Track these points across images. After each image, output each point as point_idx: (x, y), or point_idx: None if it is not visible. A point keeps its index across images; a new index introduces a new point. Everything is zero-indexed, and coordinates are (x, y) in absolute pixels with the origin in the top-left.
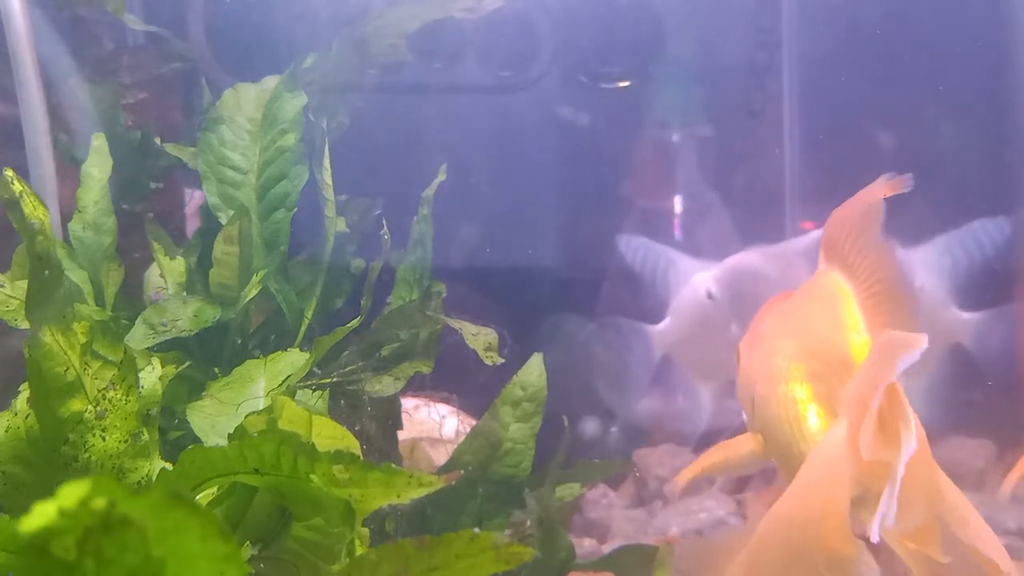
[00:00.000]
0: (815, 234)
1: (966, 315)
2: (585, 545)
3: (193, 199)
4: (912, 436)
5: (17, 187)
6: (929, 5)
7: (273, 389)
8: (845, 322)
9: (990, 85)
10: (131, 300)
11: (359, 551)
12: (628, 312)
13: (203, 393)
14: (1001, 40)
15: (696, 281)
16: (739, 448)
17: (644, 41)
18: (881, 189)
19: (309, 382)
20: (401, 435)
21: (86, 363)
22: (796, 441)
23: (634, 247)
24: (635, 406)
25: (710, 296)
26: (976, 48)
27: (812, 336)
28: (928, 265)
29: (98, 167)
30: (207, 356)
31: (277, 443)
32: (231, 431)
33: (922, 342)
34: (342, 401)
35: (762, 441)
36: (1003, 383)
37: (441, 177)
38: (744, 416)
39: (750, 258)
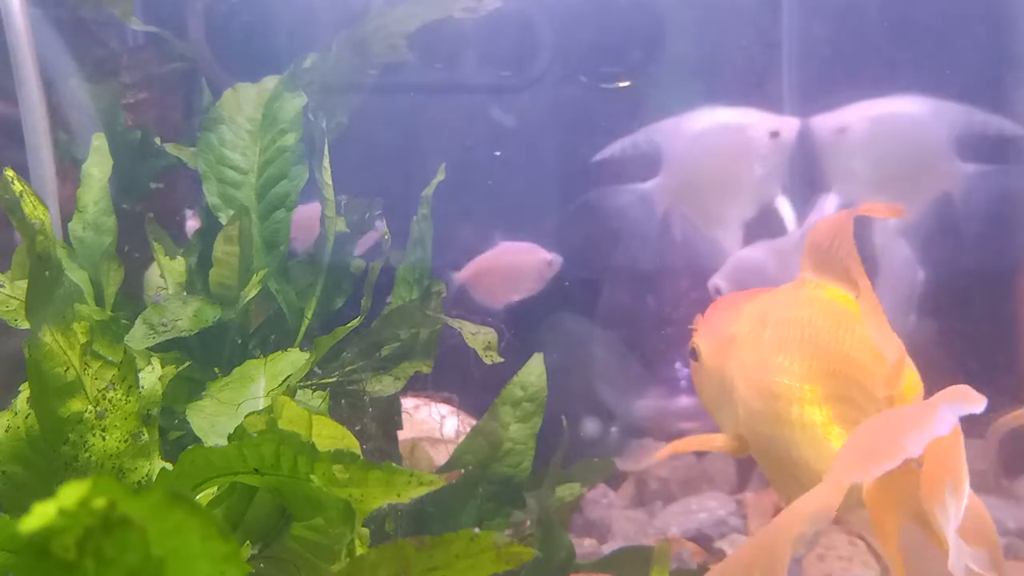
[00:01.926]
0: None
1: (964, 165)
2: (585, 545)
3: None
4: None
5: (17, 187)
6: (929, 5)
7: (273, 389)
8: (869, 344)
9: (990, 84)
10: (131, 300)
11: (359, 551)
12: (632, 313)
13: (203, 393)
14: (1001, 39)
15: (685, 128)
16: (712, 443)
17: (644, 41)
18: (877, 208)
19: (309, 382)
20: (401, 435)
21: (86, 363)
22: (814, 462)
23: (618, 146)
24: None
25: (718, 292)
26: (977, 46)
27: (828, 357)
28: (940, 113)
29: (98, 167)
30: (207, 356)
31: (277, 443)
32: (231, 431)
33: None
34: (342, 401)
35: (739, 446)
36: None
37: (440, 177)
38: (716, 418)
39: (755, 252)
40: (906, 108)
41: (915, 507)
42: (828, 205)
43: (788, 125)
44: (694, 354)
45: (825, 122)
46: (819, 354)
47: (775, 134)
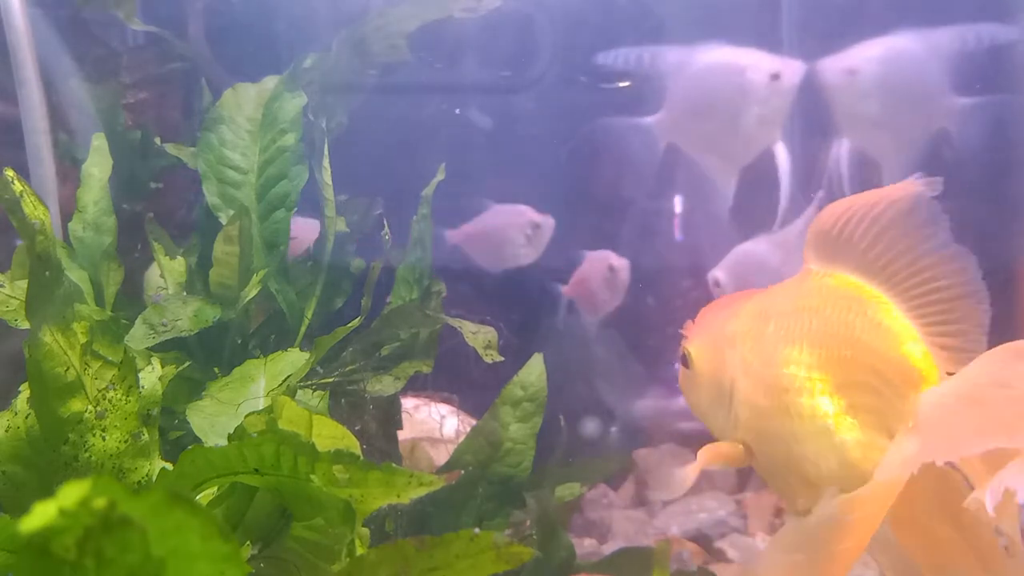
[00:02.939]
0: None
1: (961, 100)
2: (585, 545)
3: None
4: None
5: (17, 187)
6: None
7: (273, 389)
8: (893, 329)
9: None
10: (131, 300)
11: (359, 551)
12: (635, 314)
13: (203, 393)
14: (1003, 38)
15: (688, 63)
16: (720, 452)
17: (644, 41)
18: (903, 188)
19: (309, 382)
20: (401, 435)
21: (86, 363)
22: (823, 456)
23: (618, 56)
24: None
25: (718, 285)
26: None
27: (838, 344)
28: (935, 47)
29: (98, 167)
30: (207, 356)
31: (277, 443)
32: (231, 431)
33: None
34: (342, 401)
35: (745, 451)
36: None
37: (440, 176)
38: (710, 426)
39: (757, 246)
40: (908, 45)
41: (946, 507)
42: (843, 151)
43: (791, 68)
44: (685, 360)
45: (833, 64)
46: (828, 342)
47: (776, 76)
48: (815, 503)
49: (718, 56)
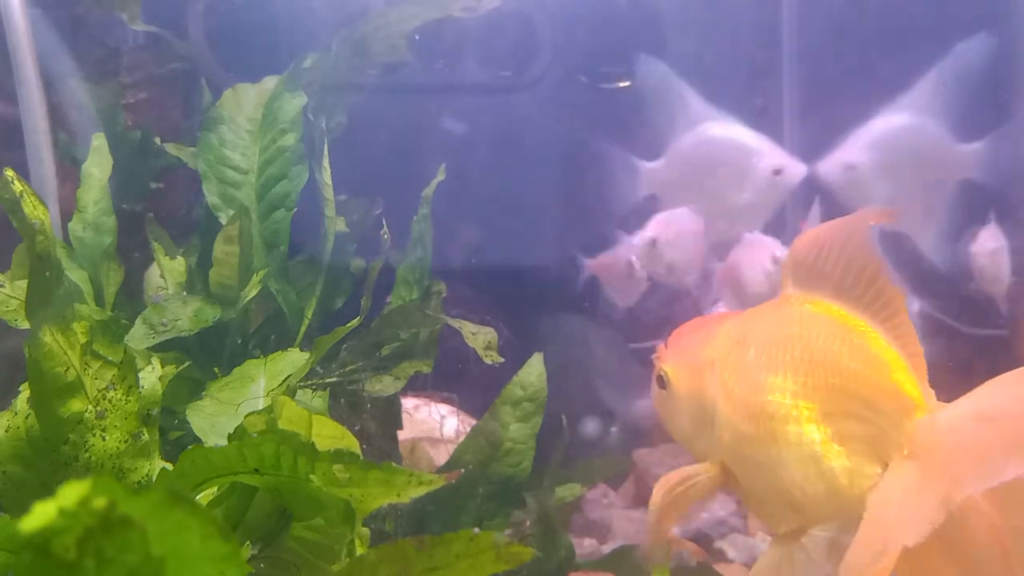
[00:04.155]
0: None
1: (968, 147)
2: (585, 545)
3: None
4: None
5: (17, 187)
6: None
7: (273, 389)
8: (881, 357)
9: (991, 82)
10: (131, 300)
11: (359, 551)
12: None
13: (203, 393)
14: (1002, 38)
15: (700, 129)
16: (696, 480)
17: (644, 41)
18: (869, 215)
19: (309, 382)
20: (401, 435)
21: (86, 363)
22: (811, 483)
23: (650, 68)
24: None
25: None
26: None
27: (824, 372)
28: (922, 106)
29: (98, 167)
30: (207, 356)
31: (277, 443)
32: (231, 431)
33: None
34: (342, 401)
35: (720, 474)
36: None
37: (440, 177)
38: (690, 448)
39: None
40: (897, 119)
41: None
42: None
43: (793, 168)
44: (662, 382)
45: (832, 163)
46: (814, 370)
47: (778, 171)
48: (796, 526)
49: (732, 133)
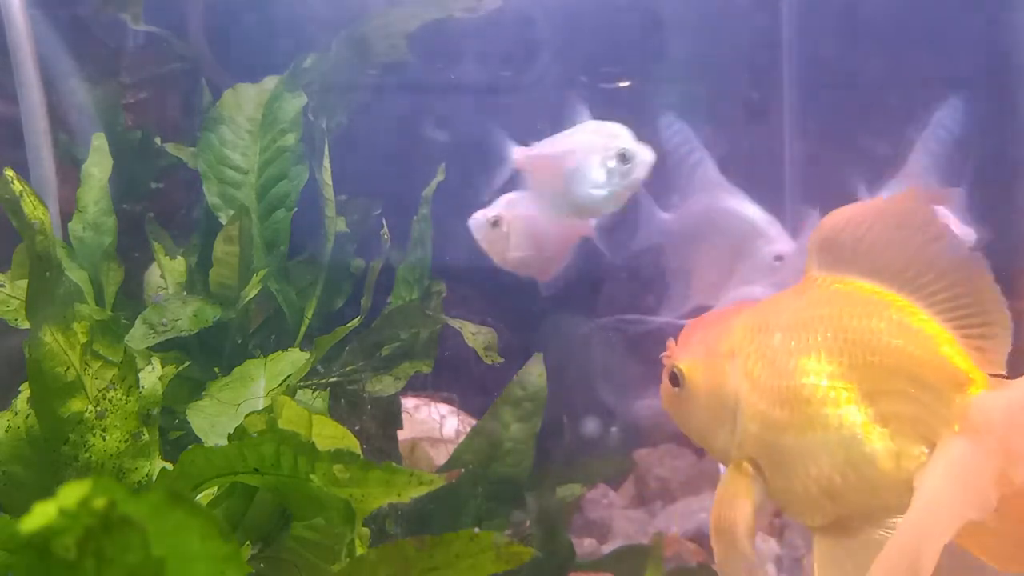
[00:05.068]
0: None
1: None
2: (585, 545)
3: None
4: None
5: (17, 187)
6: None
7: (273, 389)
8: (924, 331)
9: (991, 81)
10: (131, 300)
11: (359, 551)
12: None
13: (203, 393)
14: (1003, 37)
15: (719, 195)
16: (740, 498)
17: (644, 41)
18: (922, 195)
19: (309, 382)
20: (401, 435)
21: (86, 363)
22: (854, 468)
23: (674, 129)
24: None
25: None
26: (978, 43)
27: (861, 351)
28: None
29: (98, 167)
30: (207, 356)
31: (277, 443)
32: (231, 431)
33: None
34: (342, 401)
35: (755, 472)
36: None
37: (440, 177)
38: (708, 446)
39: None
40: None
41: None
42: None
43: (795, 260)
44: (676, 380)
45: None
46: (850, 349)
47: (779, 258)
48: (833, 519)
49: (746, 210)
